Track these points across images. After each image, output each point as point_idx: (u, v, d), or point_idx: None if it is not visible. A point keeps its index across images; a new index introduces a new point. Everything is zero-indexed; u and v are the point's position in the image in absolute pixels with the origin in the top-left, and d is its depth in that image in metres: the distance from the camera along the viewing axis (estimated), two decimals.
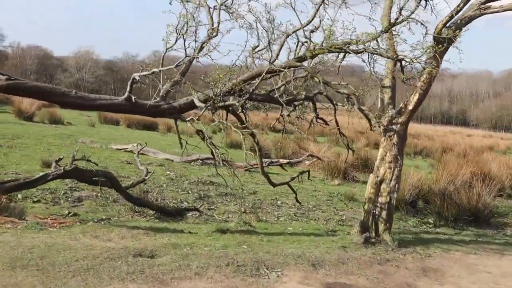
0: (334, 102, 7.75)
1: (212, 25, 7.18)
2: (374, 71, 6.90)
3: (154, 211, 8.38)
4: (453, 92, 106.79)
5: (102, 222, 7.17)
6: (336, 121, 8.06)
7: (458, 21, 7.18)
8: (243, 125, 7.21)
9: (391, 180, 7.40)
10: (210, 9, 7.45)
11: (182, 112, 6.90)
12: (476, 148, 28.77)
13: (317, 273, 5.64)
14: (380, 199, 7.46)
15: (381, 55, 6.71)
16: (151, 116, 7.17)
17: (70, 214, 7.73)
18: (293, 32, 7.02)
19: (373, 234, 7.40)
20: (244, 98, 6.50)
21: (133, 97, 6.38)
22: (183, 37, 6.49)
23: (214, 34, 6.89)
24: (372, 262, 6.32)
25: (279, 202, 10.73)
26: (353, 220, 9.60)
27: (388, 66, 7.65)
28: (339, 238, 7.40)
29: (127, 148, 15.66)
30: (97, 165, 8.15)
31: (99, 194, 9.20)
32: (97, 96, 6.48)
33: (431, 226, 9.85)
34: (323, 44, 6.62)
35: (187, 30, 6.58)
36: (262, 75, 6.51)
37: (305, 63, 7.24)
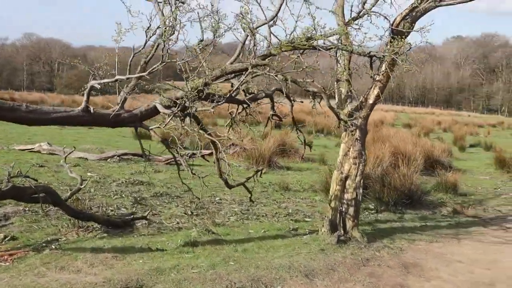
0: (292, 99, 7.51)
1: (165, 22, 6.55)
2: (346, 67, 6.75)
3: (100, 224, 7.67)
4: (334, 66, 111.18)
5: (53, 247, 6.36)
6: (293, 118, 7.83)
7: (413, 14, 7.19)
8: (203, 128, 6.73)
9: (356, 175, 7.32)
10: (159, 3, 6.80)
11: (144, 119, 6.25)
12: (369, 123, 29.99)
13: (316, 285, 5.41)
14: (346, 196, 7.37)
15: (352, 52, 6.54)
16: (111, 126, 6.43)
17: (7, 238, 6.81)
18: (257, 27, 6.60)
19: (342, 231, 7.30)
20: (221, 102, 6.00)
21: (91, 108, 5.62)
22: (163, 42, 5.79)
23: (171, 32, 6.26)
24: (357, 265, 6.21)
25: (217, 199, 10.36)
26: (300, 213, 9.49)
27: (343, 59, 7.50)
28: (311, 239, 7.22)
29: (33, 148, 14.33)
30: (36, 180, 7.22)
31: (26, 209, 8.28)
32: (50, 108, 5.62)
33: (373, 212, 10.01)
34: (293, 41, 6.29)
35: (172, 33, 5.90)
36: (246, 75, 6.06)
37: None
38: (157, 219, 8.48)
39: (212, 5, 6.90)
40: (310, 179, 13.18)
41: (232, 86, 6.93)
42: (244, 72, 6.50)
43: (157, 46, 6.34)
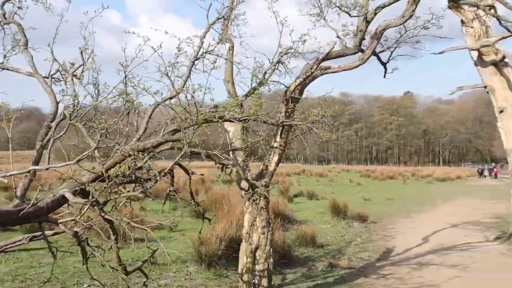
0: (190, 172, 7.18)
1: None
2: (260, 134, 6.68)
3: None
4: None
5: None
6: (191, 192, 7.44)
7: (303, 82, 7.47)
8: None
9: (265, 245, 7.17)
10: (46, 78, 6.05)
11: (50, 212, 5.33)
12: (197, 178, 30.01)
13: None
14: (257, 267, 7.16)
15: (265, 122, 6.48)
16: (16, 224, 5.36)
17: None
18: (164, 101, 6.18)
19: None
20: (145, 187, 5.42)
21: None
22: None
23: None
24: None
25: (86, 286, 9.29)
26: None
27: (231, 129, 7.45)
28: None
29: None
30: None
31: None
32: None
33: None
34: (211, 114, 6.03)
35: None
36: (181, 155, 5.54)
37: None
38: None
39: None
40: (171, 248, 12.58)
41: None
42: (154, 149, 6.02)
43: (56, 126, 5.57)
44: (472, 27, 14.38)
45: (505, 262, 10.96)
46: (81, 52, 6.03)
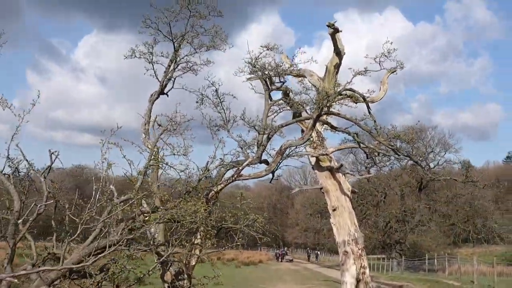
0: None
1: None
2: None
3: None
4: None
5: None
6: None
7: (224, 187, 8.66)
8: None
9: None
10: None
11: None
12: None
13: None
14: None
15: (210, 226, 7.46)
16: None
17: None
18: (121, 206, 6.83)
19: None
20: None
21: None
22: None
23: None
24: None
25: None
26: None
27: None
28: None
29: None
30: None
31: None
32: None
33: None
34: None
35: None
36: None
37: None
38: None
39: None
40: None
41: None
42: None
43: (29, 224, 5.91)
44: (311, 137, 17.08)
45: None
46: (51, 155, 6.46)
